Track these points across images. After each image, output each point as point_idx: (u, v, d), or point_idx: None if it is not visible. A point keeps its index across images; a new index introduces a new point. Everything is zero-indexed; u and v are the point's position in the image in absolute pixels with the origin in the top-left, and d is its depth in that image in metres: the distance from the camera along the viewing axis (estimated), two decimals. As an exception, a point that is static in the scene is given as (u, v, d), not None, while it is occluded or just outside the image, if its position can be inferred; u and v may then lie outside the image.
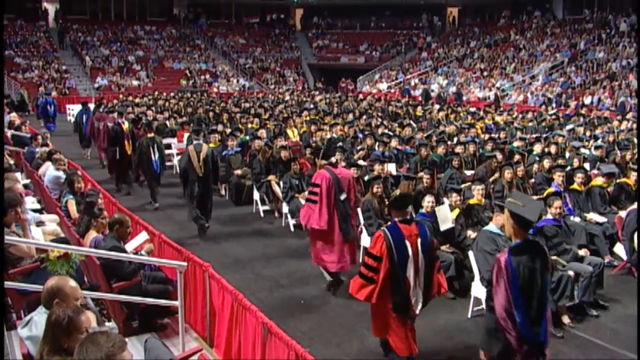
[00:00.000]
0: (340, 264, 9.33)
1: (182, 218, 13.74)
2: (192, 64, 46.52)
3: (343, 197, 9.23)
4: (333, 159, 10.00)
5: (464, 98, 36.81)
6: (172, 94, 34.48)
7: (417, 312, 6.86)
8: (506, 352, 5.50)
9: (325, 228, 9.14)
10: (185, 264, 7.30)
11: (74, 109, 29.16)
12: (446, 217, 9.64)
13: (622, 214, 10.72)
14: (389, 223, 6.97)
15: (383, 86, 43.33)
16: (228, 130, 18.43)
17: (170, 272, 8.07)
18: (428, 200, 9.89)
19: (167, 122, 21.74)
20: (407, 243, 6.66)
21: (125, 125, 16.38)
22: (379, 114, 25.95)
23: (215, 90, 42.68)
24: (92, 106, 24.51)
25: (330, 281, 9.61)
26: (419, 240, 6.70)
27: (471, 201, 10.80)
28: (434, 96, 37.55)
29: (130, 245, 8.00)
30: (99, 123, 19.30)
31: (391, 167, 14.05)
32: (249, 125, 20.55)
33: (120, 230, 7.80)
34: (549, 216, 9.30)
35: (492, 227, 8.59)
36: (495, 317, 5.52)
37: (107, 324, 7.75)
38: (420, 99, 36.70)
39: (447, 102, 33.36)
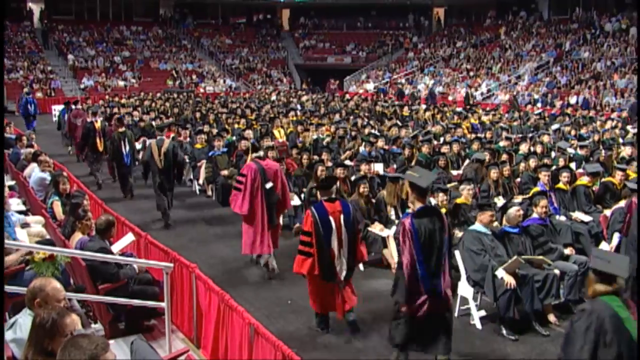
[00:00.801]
0: (254, 247, 10.13)
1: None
2: (179, 65, 46.38)
3: (269, 185, 10.12)
4: (261, 153, 10.90)
5: (450, 98, 36.93)
6: (158, 95, 34.42)
7: (342, 278, 7.86)
8: (412, 301, 6.52)
9: (246, 213, 10.03)
10: (171, 265, 7.27)
11: (59, 110, 29.15)
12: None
13: (607, 212, 10.79)
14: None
15: (370, 86, 43.37)
16: (214, 131, 18.40)
17: (156, 273, 8.04)
18: None
19: (154, 123, 21.65)
20: (331, 218, 7.78)
21: (98, 123, 17.16)
22: (366, 114, 25.99)
23: (201, 90, 42.57)
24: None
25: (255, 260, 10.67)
26: (342, 216, 7.78)
27: (458, 200, 10.79)
28: (407, 95, 38.19)
29: (116, 247, 7.97)
30: (77, 120, 19.99)
31: (378, 167, 14.07)
32: (236, 126, 20.50)
33: (107, 231, 7.79)
34: (535, 215, 9.33)
35: (477, 226, 8.63)
36: (402, 271, 6.56)
37: (93, 325, 7.73)
38: (408, 99, 36.84)
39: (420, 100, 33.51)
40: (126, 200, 15.47)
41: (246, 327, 6.12)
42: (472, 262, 8.28)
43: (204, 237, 12.42)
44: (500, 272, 8.00)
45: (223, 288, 6.98)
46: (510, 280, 7.90)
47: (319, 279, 7.85)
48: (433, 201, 10.58)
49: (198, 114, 24.41)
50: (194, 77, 45.10)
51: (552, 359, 7.43)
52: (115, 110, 24.91)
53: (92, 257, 7.18)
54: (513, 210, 8.92)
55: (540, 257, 8.65)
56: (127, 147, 15.46)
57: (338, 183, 12.07)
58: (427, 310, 6.56)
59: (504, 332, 8.11)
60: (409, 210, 9.77)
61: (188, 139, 17.41)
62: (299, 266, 7.88)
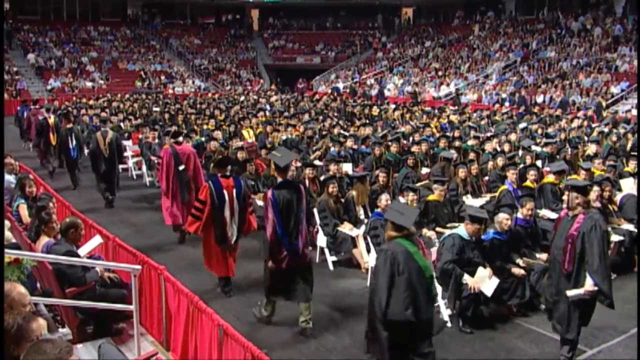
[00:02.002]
0: (172, 219, 11.98)
1: (138, 221, 13.72)
2: (147, 65, 45.99)
3: (181, 168, 11.81)
4: (180, 139, 12.35)
5: (419, 97, 37.15)
6: (127, 96, 34.13)
7: (233, 242, 9.22)
8: (274, 256, 7.86)
9: (164, 189, 11.92)
10: (139, 267, 7.22)
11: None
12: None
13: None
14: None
15: (339, 86, 43.44)
16: (183, 132, 18.26)
17: (125, 276, 7.97)
18: (385, 199, 9.96)
19: (122, 124, 21.47)
20: (225, 192, 9.11)
21: (51, 120, 18.45)
22: (335, 114, 26.03)
23: (170, 91, 42.26)
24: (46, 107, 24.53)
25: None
26: (234, 190, 9.13)
27: (430, 197, 10.83)
28: (360, 93, 38.90)
29: (83, 250, 7.88)
30: (35, 118, 21.18)
31: (347, 167, 14.10)
32: (204, 127, 20.41)
33: (73, 234, 7.68)
34: (520, 216, 9.43)
35: (462, 231, 8.52)
36: (266, 233, 7.89)
37: (60, 330, 7.64)
38: (376, 99, 37.01)
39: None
40: (94, 203, 15.34)
41: (215, 328, 6.10)
42: (442, 264, 8.36)
43: (173, 239, 12.30)
44: (467, 279, 8.12)
45: (192, 290, 6.95)
46: (474, 285, 8.04)
47: (213, 242, 9.20)
48: (402, 200, 10.66)
49: (167, 115, 24.25)
50: (162, 77, 44.74)
51: (520, 357, 7.56)
52: (83, 111, 24.78)
53: (58, 260, 7.09)
54: (502, 217, 8.95)
55: (526, 260, 8.89)
56: (74, 142, 16.55)
57: (307, 182, 12.12)
58: (288, 265, 7.85)
59: (461, 325, 8.28)
60: (378, 210, 9.95)
61: (157, 140, 17.28)
62: (189, 225, 9.36)
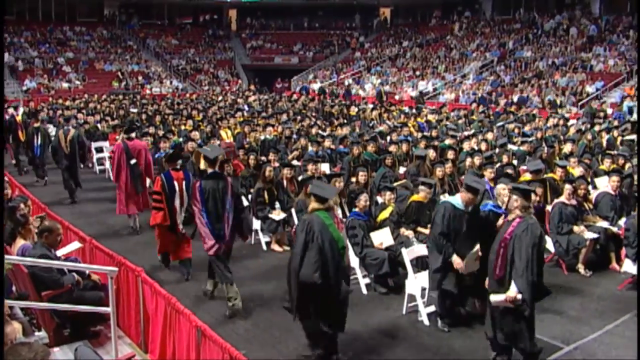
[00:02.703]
0: (124, 209, 12.91)
1: (115, 222, 13.63)
2: (124, 66, 45.59)
3: (132, 162, 12.81)
4: (133, 134, 13.64)
5: (397, 97, 37.29)
6: (104, 97, 33.86)
7: (181, 229, 10.03)
8: (207, 244, 8.66)
9: (115, 182, 13.12)
10: (116, 269, 7.18)
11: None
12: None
13: (549, 208, 11.05)
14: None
15: (317, 86, 43.44)
16: (161, 133, 18.21)
17: (103, 278, 7.92)
18: (364, 199, 9.98)
19: (99, 125, 21.33)
20: (175, 183, 10.05)
21: (19, 117, 19.98)
22: (313, 114, 26.05)
23: (148, 92, 41.95)
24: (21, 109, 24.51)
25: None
26: (183, 183, 9.97)
27: (414, 197, 10.76)
28: (328, 93, 39.18)
29: (59, 253, 7.82)
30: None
31: (325, 167, 14.12)
32: (182, 127, 20.35)
33: (50, 237, 7.60)
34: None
35: (456, 200, 8.13)
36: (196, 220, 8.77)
37: (37, 333, 7.59)
38: (343, 97, 37.23)
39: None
40: (72, 205, 15.41)
41: (193, 330, 6.09)
42: (435, 234, 8.10)
43: (150, 240, 12.17)
44: (455, 259, 7.90)
45: (170, 292, 6.93)
46: (459, 265, 7.85)
47: (165, 229, 10.08)
48: (380, 199, 10.70)
49: (144, 116, 24.13)
50: (140, 78, 44.39)
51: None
52: (59, 112, 24.61)
53: (33, 263, 7.04)
54: (500, 188, 8.86)
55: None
56: (39, 140, 17.48)
57: (285, 183, 12.14)
58: (217, 251, 8.71)
59: (439, 324, 8.32)
60: (356, 210, 9.97)
61: (134, 141, 17.17)
62: (154, 219, 10.20)
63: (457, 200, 8.08)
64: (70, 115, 22.32)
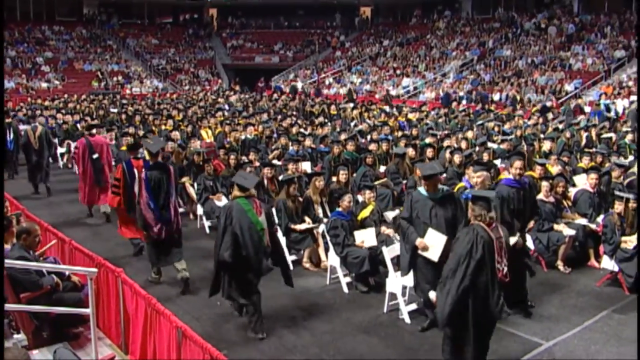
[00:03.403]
0: (87, 199, 13.81)
1: (94, 222, 13.55)
2: (104, 66, 45.30)
3: (95, 156, 13.63)
4: (94, 131, 14.39)
5: (377, 96, 37.33)
6: (83, 97, 33.67)
7: None
8: (151, 229, 9.37)
9: (80, 174, 13.89)
10: (95, 270, 7.13)
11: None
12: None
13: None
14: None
15: (298, 85, 43.41)
16: (141, 133, 18.10)
17: (83, 279, 7.86)
18: (348, 199, 10.00)
19: (78, 125, 21.17)
20: (135, 171, 10.48)
21: None
22: (294, 113, 26.03)
23: (128, 92, 41.73)
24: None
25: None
26: (143, 170, 9.86)
27: None
28: (299, 91, 39.71)
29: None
30: None
31: (306, 166, 14.12)
32: (162, 127, 20.28)
33: (28, 239, 7.52)
34: (510, 177, 9.06)
35: (421, 189, 8.12)
36: (140, 207, 9.43)
37: (15, 336, 7.53)
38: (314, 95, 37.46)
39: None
40: (50, 206, 15.29)
41: (174, 330, 6.07)
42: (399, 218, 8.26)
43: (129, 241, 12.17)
44: (418, 241, 7.81)
45: (150, 292, 6.89)
46: (420, 247, 7.79)
47: (125, 212, 10.68)
48: (360, 198, 10.72)
49: (124, 116, 24.03)
50: (119, 78, 44.14)
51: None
52: (38, 112, 24.40)
53: (11, 264, 6.97)
54: (469, 172, 9.03)
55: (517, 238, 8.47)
56: (12, 135, 17.70)
57: (266, 182, 12.12)
58: (165, 234, 9.41)
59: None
60: (339, 209, 9.99)
61: (114, 141, 17.08)
62: (111, 202, 11.22)
63: (422, 188, 8.09)
64: (39, 112, 23.20)
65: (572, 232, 10.62)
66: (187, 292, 9.48)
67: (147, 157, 9.81)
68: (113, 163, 14.26)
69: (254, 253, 7.84)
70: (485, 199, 6.69)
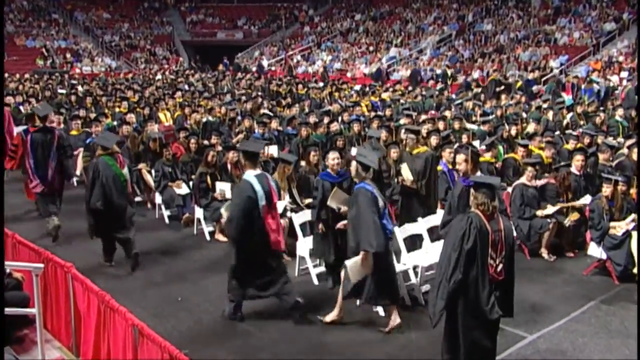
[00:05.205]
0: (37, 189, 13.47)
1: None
2: (50, 42, 44.65)
3: None
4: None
5: (349, 74, 37.30)
6: (26, 76, 33.14)
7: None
8: (30, 185, 12.11)
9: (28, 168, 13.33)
10: (41, 265, 7.03)
11: None
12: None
13: (510, 189, 11.21)
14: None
15: (264, 63, 43.22)
16: (92, 115, 17.86)
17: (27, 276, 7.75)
18: (332, 157, 9.47)
19: (22, 108, 20.80)
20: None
21: None
22: (259, 93, 25.93)
23: (77, 71, 41.16)
24: None
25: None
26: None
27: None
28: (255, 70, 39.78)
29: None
30: None
31: (272, 150, 14.07)
32: (116, 110, 20.08)
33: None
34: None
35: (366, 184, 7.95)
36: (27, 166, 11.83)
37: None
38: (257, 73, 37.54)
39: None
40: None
41: (129, 328, 6.00)
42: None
43: (81, 232, 11.93)
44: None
45: (104, 288, 6.80)
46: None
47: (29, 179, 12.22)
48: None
49: (73, 97, 23.71)
50: (68, 55, 43.47)
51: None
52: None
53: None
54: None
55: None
56: None
57: (229, 167, 12.06)
58: (42, 189, 11.83)
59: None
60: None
61: (62, 125, 16.81)
62: (7, 163, 12.33)
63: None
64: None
65: (555, 208, 10.75)
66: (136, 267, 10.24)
67: (37, 121, 11.82)
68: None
69: (117, 198, 10.02)
70: (490, 185, 6.45)
